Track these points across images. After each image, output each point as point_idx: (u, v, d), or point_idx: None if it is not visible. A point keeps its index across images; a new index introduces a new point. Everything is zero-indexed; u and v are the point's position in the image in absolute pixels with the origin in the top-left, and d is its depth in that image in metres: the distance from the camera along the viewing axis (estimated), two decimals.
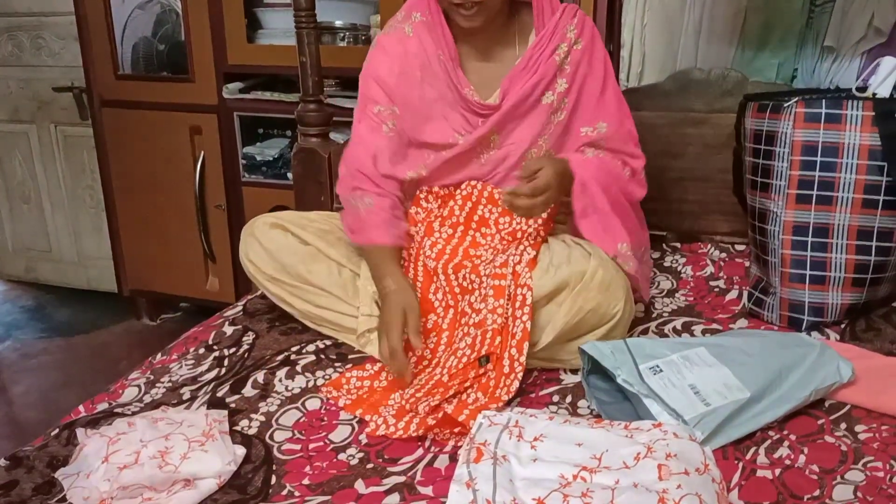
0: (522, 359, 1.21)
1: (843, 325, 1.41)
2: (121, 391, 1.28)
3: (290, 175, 2.36)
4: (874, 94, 1.40)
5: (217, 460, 1.04)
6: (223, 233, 2.59)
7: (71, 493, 1.01)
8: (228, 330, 1.46)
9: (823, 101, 1.36)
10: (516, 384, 1.20)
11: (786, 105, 1.39)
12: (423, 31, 1.42)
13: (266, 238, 1.42)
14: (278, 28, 2.38)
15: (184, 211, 2.59)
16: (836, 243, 1.38)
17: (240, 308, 1.57)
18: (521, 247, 1.35)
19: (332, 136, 1.95)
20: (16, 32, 2.78)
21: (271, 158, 2.46)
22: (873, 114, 1.34)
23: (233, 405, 1.22)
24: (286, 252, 1.41)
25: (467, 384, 1.22)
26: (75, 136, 2.82)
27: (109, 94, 2.59)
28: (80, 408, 1.24)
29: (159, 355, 1.40)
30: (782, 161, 1.39)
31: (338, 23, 2.33)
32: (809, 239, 1.39)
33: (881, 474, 1.02)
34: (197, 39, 2.41)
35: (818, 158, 1.36)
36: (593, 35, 1.43)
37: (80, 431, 1.11)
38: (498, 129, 1.40)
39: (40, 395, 2.39)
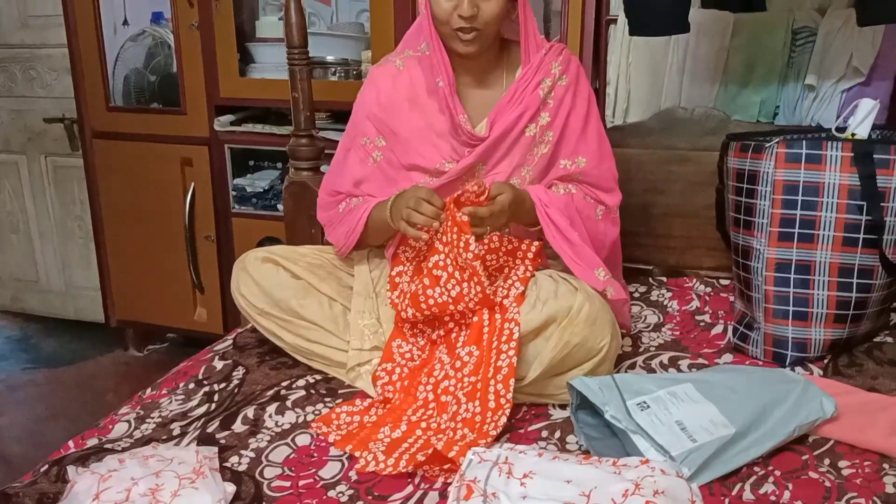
0: (509, 395, 1.22)
1: (826, 361, 1.44)
2: (110, 426, 1.28)
3: (280, 207, 2.38)
4: (853, 135, 1.44)
5: (207, 498, 1.04)
6: (212, 264, 2.60)
7: None
8: (218, 364, 1.46)
9: (804, 141, 1.40)
10: (503, 419, 1.21)
11: (767, 145, 1.42)
12: (413, 66, 1.47)
13: (258, 272, 1.44)
14: (270, 62, 2.41)
15: (173, 242, 2.60)
16: (818, 280, 1.41)
17: (230, 342, 1.57)
18: (509, 281, 1.37)
19: (323, 169, 1.97)
20: (8, 64, 2.80)
21: (261, 190, 2.48)
22: (852, 154, 1.37)
23: (223, 441, 1.22)
24: (278, 286, 1.43)
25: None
26: (66, 166, 2.83)
27: (101, 125, 2.60)
28: (70, 443, 1.23)
29: (149, 390, 1.40)
30: (764, 199, 1.43)
31: (329, 58, 2.37)
32: (792, 276, 1.42)
33: None
34: (189, 72, 2.43)
35: (799, 197, 1.39)
36: (578, 72, 1.47)
37: (70, 469, 1.11)
38: (483, 159, 1.43)
39: (25, 428, 2.37)
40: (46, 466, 1.17)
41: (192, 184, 2.54)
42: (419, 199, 1.31)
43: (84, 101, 2.60)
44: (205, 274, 2.61)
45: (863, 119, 1.44)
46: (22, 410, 2.48)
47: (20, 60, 2.78)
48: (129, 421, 1.29)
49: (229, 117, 2.47)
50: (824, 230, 1.39)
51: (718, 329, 1.59)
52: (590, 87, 1.50)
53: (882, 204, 1.37)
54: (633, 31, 1.67)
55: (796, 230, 1.40)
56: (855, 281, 1.40)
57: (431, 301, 1.32)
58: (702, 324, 1.62)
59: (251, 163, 2.57)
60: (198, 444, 1.20)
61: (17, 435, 2.33)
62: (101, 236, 2.73)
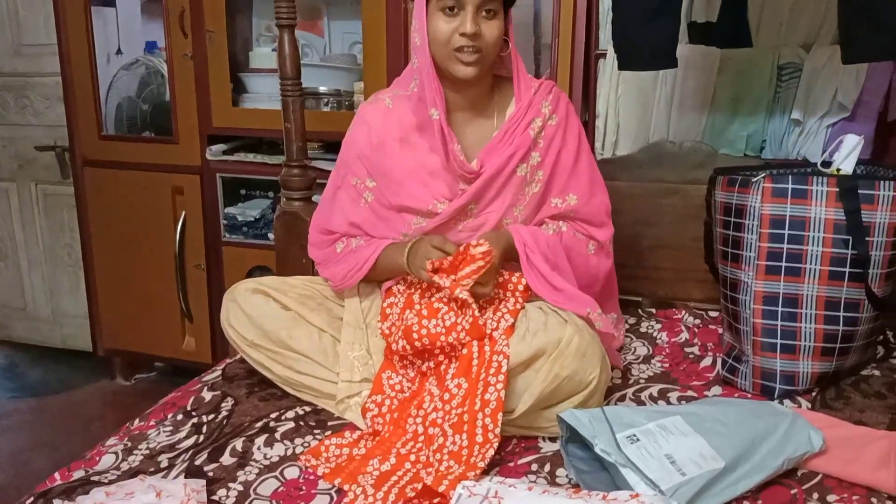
0: (497, 429, 1.22)
1: (814, 394, 1.44)
2: (97, 458, 1.26)
3: (270, 235, 2.38)
4: (838, 170, 1.46)
5: None
6: (202, 293, 2.59)
7: None
8: (207, 395, 1.46)
9: (790, 176, 1.42)
10: (491, 452, 1.21)
11: (754, 180, 1.44)
12: (403, 104, 1.47)
13: (247, 304, 1.44)
14: (263, 92, 2.43)
15: (163, 270, 2.59)
16: (805, 313, 1.42)
17: (219, 372, 1.56)
18: (499, 313, 1.37)
19: (315, 199, 1.98)
20: (0, 92, 2.81)
21: (252, 219, 2.48)
22: (837, 189, 1.39)
23: (211, 474, 1.21)
24: (267, 318, 1.43)
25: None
26: (56, 194, 2.83)
27: (92, 153, 2.61)
28: (56, 475, 1.22)
29: (137, 421, 1.39)
30: (751, 233, 1.44)
31: (322, 88, 2.39)
32: (779, 308, 1.43)
33: None
34: (182, 102, 2.45)
35: (786, 231, 1.41)
36: (568, 110, 1.49)
37: (56, 502, 1.10)
38: (476, 198, 1.44)
39: (10, 458, 2.34)
40: (32, 499, 1.15)
41: (184, 212, 2.54)
42: (434, 249, 1.36)
43: (76, 130, 2.61)
44: (194, 303, 2.60)
45: (847, 154, 1.46)
46: (7, 439, 2.45)
47: (13, 88, 2.79)
48: (116, 452, 1.28)
49: (221, 146, 2.48)
50: (811, 264, 1.41)
51: (707, 361, 1.60)
52: (579, 124, 1.51)
53: (867, 238, 1.39)
54: (622, 65, 1.70)
55: (783, 263, 1.42)
56: (842, 314, 1.42)
57: (424, 331, 1.32)
58: (691, 356, 1.62)
59: (242, 192, 2.58)
60: (186, 477, 1.19)
61: (2, 464, 2.30)
62: (90, 264, 2.72)
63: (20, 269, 2.96)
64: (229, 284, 2.41)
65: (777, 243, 1.42)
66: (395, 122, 1.47)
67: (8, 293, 3.01)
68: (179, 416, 1.39)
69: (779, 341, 1.43)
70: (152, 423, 1.38)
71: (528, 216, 1.47)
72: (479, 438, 1.22)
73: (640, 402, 1.43)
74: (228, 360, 1.62)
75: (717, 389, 1.49)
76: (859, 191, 1.39)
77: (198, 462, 1.24)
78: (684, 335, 1.69)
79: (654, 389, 1.48)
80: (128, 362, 2.83)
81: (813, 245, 1.40)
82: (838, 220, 1.39)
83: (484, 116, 1.48)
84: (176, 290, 2.59)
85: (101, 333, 2.77)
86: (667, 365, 1.59)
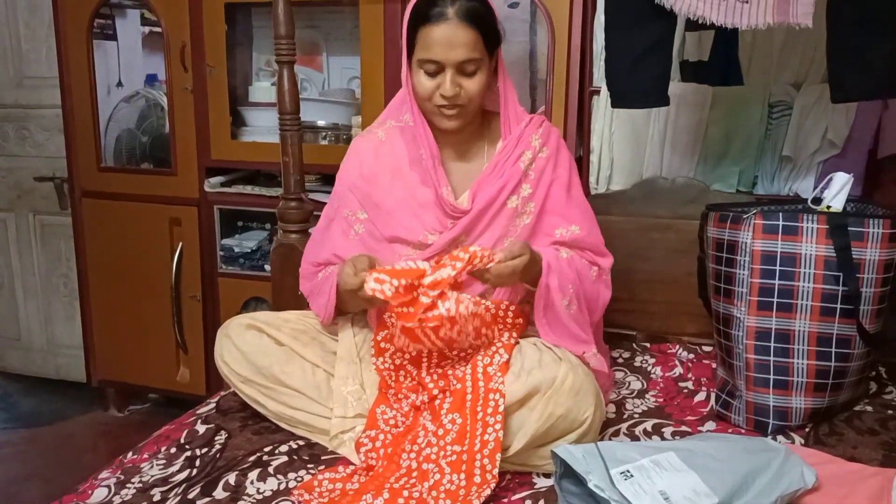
0: (495, 471, 1.22)
1: (807, 430, 1.45)
2: (90, 491, 1.26)
3: (267, 267, 2.39)
4: (828, 207, 1.48)
5: None
6: (197, 324, 2.59)
7: None
8: (201, 429, 1.45)
9: (780, 213, 1.44)
10: (488, 492, 1.21)
11: (745, 216, 1.46)
12: (395, 136, 1.50)
13: (241, 340, 1.44)
14: (262, 126, 2.46)
15: (159, 301, 2.59)
16: (798, 349, 1.43)
17: (213, 405, 1.56)
18: (493, 348, 1.37)
19: (311, 231, 1.99)
20: (1, 123, 2.83)
21: (249, 250, 2.49)
22: (828, 227, 1.41)
23: None
24: (261, 354, 1.43)
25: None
26: (53, 224, 2.84)
27: (91, 185, 2.62)
28: None
29: (130, 454, 1.39)
30: (743, 269, 1.46)
31: (320, 122, 2.42)
32: (772, 344, 1.44)
33: None
34: (181, 134, 2.47)
35: (777, 267, 1.42)
36: (559, 144, 1.51)
37: None
38: (467, 231, 1.45)
39: (2, 489, 2.31)
40: None
41: (181, 243, 2.55)
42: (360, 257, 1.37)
43: (75, 161, 2.63)
44: (189, 334, 2.60)
45: (837, 192, 1.48)
46: (0, 470, 2.43)
47: (13, 119, 2.82)
48: (109, 486, 1.27)
49: (219, 178, 2.50)
50: (802, 300, 1.42)
51: (701, 396, 1.60)
52: (571, 157, 1.54)
53: (857, 275, 1.40)
54: (615, 103, 1.72)
55: (775, 299, 1.43)
56: (833, 350, 1.43)
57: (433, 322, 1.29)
58: (685, 391, 1.63)
59: (239, 223, 2.60)
60: None
61: None
62: (86, 294, 2.72)
63: (16, 298, 2.96)
64: (225, 316, 2.44)
65: (768, 279, 1.43)
66: (387, 154, 1.50)
67: (3, 323, 3.00)
68: (173, 450, 1.38)
69: (771, 377, 1.44)
70: (145, 455, 1.37)
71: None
72: (477, 479, 1.22)
73: (635, 437, 1.43)
74: (223, 393, 1.62)
75: (711, 424, 1.50)
76: (849, 228, 1.41)
77: (191, 496, 1.23)
78: (678, 370, 1.70)
79: (649, 424, 1.48)
80: (121, 393, 2.81)
81: (804, 281, 1.41)
82: (829, 256, 1.40)
83: (474, 151, 1.51)
84: (171, 322, 2.59)
85: (96, 364, 2.76)
86: (661, 400, 1.59)
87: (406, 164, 1.48)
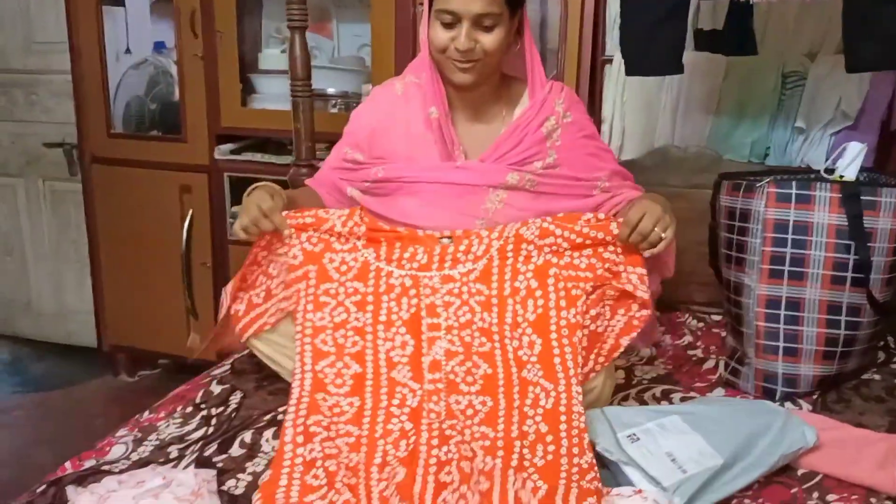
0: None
1: (815, 397, 1.46)
2: (108, 448, 1.28)
3: None
4: (841, 177, 1.49)
5: None
6: (207, 291, 2.61)
7: None
8: (216, 389, 1.47)
9: (794, 182, 1.44)
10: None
11: (758, 185, 1.46)
12: (414, 93, 1.46)
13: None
14: (272, 93, 2.45)
15: (169, 268, 2.61)
16: (808, 317, 1.44)
17: (227, 367, 1.58)
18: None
19: None
20: (10, 88, 2.83)
21: None
22: (840, 195, 1.41)
23: (220, 465, 1.22)
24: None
25: None
26: (63, 191, 2.85)
27: (101, 151, 2.63)
28: (67, 464, 1.24)
29: (146, 413, 1.41)
30: (755, 237, 1.46)
31: (330, 90, 2.41)
32: (782, 312, 1.45)
33: None
34: (191, 101, 2.47)
35: (789, 236, 1.43)
36: (581, 110, 1.49)
37: (69, 489, 1.12)
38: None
39: (13, 453, 2.35)
40: (44, 486, 1.17)
41: (191, 211, 2.56)
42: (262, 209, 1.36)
43: (85, 127, 2.63)
44: (200, 301, 2.62)
45: (850, 162, 1.48)
46: (10, 434, 2.46)
47: (23, 85, 2.81)
48: (126, 443, 1.30)
49: (229, 146, 2.50)
50: (814, 268, 1.43)
51: (710, 364, 1.61)
52: (590, 118, 1.52)
53: (869, 244, 1.41)
54: (630, 71, 1.72)
55: (786, 268, 1.44)
56: (843, 319, 1.44)
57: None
58: (694, 358, 1.64)
59: None
60: (196, 467, 1.21)
61: (4, 459, 2.31)
62: (96, 260, 2.74)
63: (26, 264, 2.98)
64: None
65: (780, 248, 1.44)
66: (402, 110, 1.46)
67: (13, 289, 3.02)
68: (189, 409, 1.40)
69: (781, 344, 1.45)
70: (162, 415, 1.39)
71: (543, 212, 1.41)
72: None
73: (643, 402, 1.45)
74: (236, 355, 1.64)
75: (719, 391, 1.51)
76: (862, 197, 1.41)
77: (207, 453, 1.25)
78: (687, 338, 1.71)
79: (658, 390, 1.49)
80: (132, 359, 2.84)
81: (816, 250, 1.42)
82: (841, 225, 1.41)
83: (490, 115, 1.47)
84: (182, 288, 2.61)
85: (106, 330, 2.78)
86: (670, 367, 1.61)
87: (420, 124, 1.44)
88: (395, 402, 1.23)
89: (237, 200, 2.55)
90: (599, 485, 1.11)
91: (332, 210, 1.39)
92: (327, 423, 1.21)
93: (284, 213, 1.37)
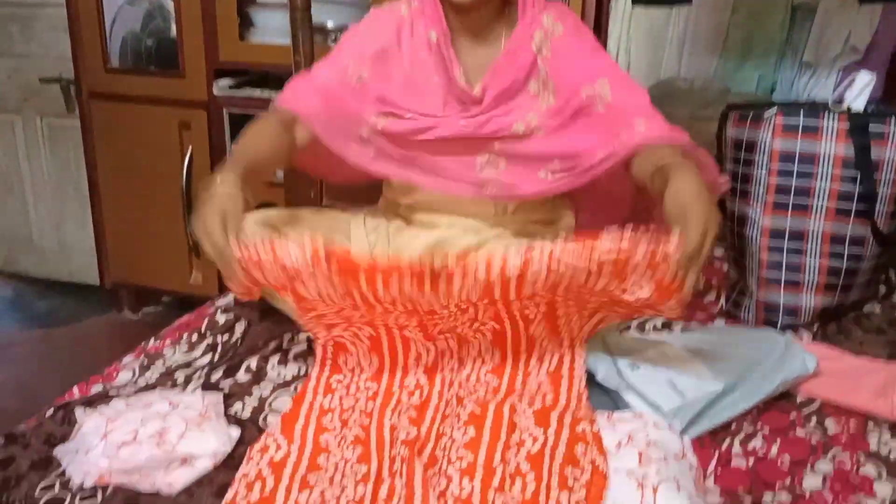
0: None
1: (815, 328, 1.47)
2: (115, 374, 1.30)
3: (279, 172, 2.38)
4: (849, 108, 1.47)
5: (213, 441, 1.06)
6: None
7: (70, 469, 1.03)
8: (221, 318, 1.48)
9: (801, 112, 1.42)
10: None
11: (766, 115, 1.45)
12: (417, 17, 1.42)
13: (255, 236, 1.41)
14: (270, 26, 2.41)
15: (170, 205, 2.60)
16: (811, 248, 1.44)
17: (231, 298, 1.59)
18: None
19: None
20: (6, 23, 2.78)
21: None
22: (848, 126, 1.40)
23: (226, 389, 1.24)
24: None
25: None
26: (61, 127, 2.82)
27: (98, 86, 2.60)
28: (75, 389, 1.25)
29: (152, 341, 1.42)
30: (761, 168, 1.45)
31: (329, 23, 2.37)
32: (785, 244, 1.45)
33: (848, 466, 1.07)
34: (188, 36, 2.43)
35: (795, 167, 1.42)
36: (577, 23, 1.42)
37: (78, 410, 1.13)
38: (481, 124, 1.39)
39: (20, 384, 2.38)
40: (52, 410, 1.19)
41: (190, 147, 2.55)
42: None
43: (82, 62, 2.59)
44: None
45: (859, 92, 1.47)
46: (16, 367, 2.49)
47: (18, 19, 2.76)
48: (133, 369, 1.31)
49: (228, 81, 2.47)
50: (819, 200, 1.42)
51: (711, 297, 1.62)
52: (593, 35, 1.45)
53: (875, 176, 1.40)
54: (637, 0, 1.69)
55: (791, 199, 1.43)
56: (846, 250, 1.44)
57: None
58: (694, 291, 1.65)
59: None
60: (202, 392, 1.22)
61: (11, 392, 2.35)
62: (96, 198, 2.73)
63: (26, 202, 2.98)
64: None
65: (786, 178, 1.43)
66: (406, 32, 1.42)
67: (14, 226, 3.02)
68: (194, 337, 1.42)
69: (783, 276, 1.46)
70: (167, 342, 1.41)
71: (549, 127, 1.38)
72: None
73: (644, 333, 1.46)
74: None
75: (720, 323, 1.52)
76: (870, 128, 1.40)
77: (213, 379, 1.27)
78: None
79: (658, 322, 1.50)
80: (135, 296, 2.86)
81: (821, 181, 1.41)
82: (848, 156, 1.40)
83: (491, 38, 1.42)
84: (183, 225, 2.61)
85: (108, 267, 2.80)
86: None
87: (424, 48, 1.40)
88: (412, 357, 1.23)
89: (236, 137, 2.52)
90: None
91: (288, 243, 1.10)
92: (347, 382, 1.23)
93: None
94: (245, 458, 1.06)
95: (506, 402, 1.12)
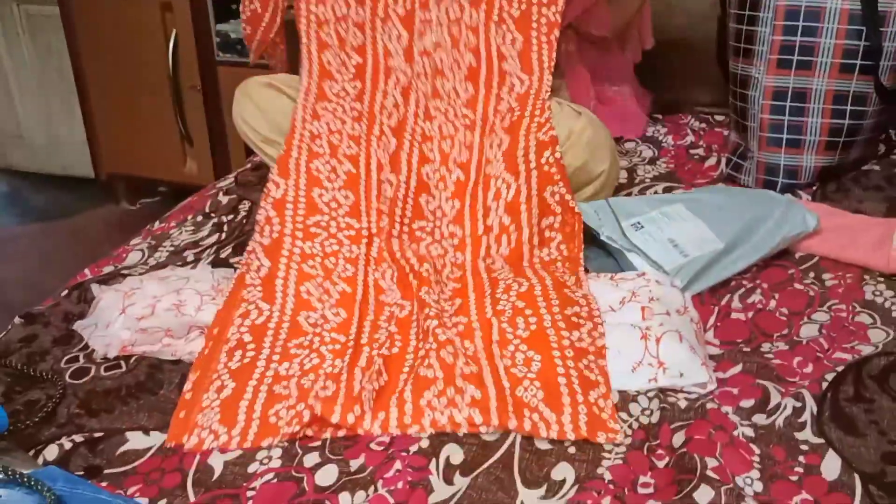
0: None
1: (815, 188, 1.48)
2: (124, 255, 1.31)
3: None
4: None
5: None
6: (200, 115, 2.56)
7: (92, 341, 1.06)
8: (224, 199, 1.49)
9: None
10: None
11: None
12: None
13: (260, 97, 1.41)
14: None
15: (158, 92, 2.54)
16: (813, 108, 1.43)
17: (231, 180, 1.59)
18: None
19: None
20: None
21: None
22: None
23: (237, 266, 1.26)
24: (281, 113, 1.39)
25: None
26: (40, 15, 2.71)
27: None
28: (86, 270, 1.27)
29: (157, 223, 1.43)
30: (765, 26, 1.42)
31: None
32: (788, 104, 1.44)
33: (844, 314, 1.11)
34: None
35: (800, 23, 1.39)
36: None
37: (94, 286, 1.16)
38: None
39: (24, 277, 2.40)
40: (66, 291, 1.21)
41: (174, 30, 2.46)
42: None
43: None
44: (193, 125, 2.58)
45: None
46: (18, 261, 2.51)
47: None
48: (142, 250, 1.33)
49: None
50: (823, 57, 1.40)
51: (712, 161, 1.62)
52: None
53: (881, 29, 1.37)
54: None
55: (795, 57, 1.41)
56: (849, 108, 1.43)
57: None
58: (696, 157, 1.65)
59: (234, 6, 2.48)
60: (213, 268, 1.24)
61: (16, 284, 2.37)
62: (83, 88, 2.66)
63: (11, 95, 2.90)
64: (227, 106, 2.40)
65: (790, 36, 1.40)
66: None
67: (2, 121, 2.96)
68: (199, 218, 1.43)
69: (785, 136, 1.45)
70: (173, 224, 1.42)
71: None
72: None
73: None
74: (239, 170, 1.64)
75: (720, 186, 1.53)
76: None
77: (223, 256, 1.29)
78: (690, 138, 1.71)
79: (660, 187, 1.51)
80: (131, 187, 2.84)
81: (826, 37, 1.39)
82: (854, 9, 1.36)
83: None
84: (173, 113, 2.56)
85: (102, 159, 2.76)
86: (672, 165, 1.62)
87: None
88: (391, 82, 1.36)
89: (222, 17, 2.44)
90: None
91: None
92: (333, 107, 1.34)
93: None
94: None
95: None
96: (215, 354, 1.01)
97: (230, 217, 1.42)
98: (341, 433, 0.91)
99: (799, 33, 1.40)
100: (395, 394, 0.95)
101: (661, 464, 0.86)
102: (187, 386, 0.98)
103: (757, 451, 0.87)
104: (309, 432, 0.91)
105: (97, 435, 0.92)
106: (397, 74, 1.36)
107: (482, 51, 1.34)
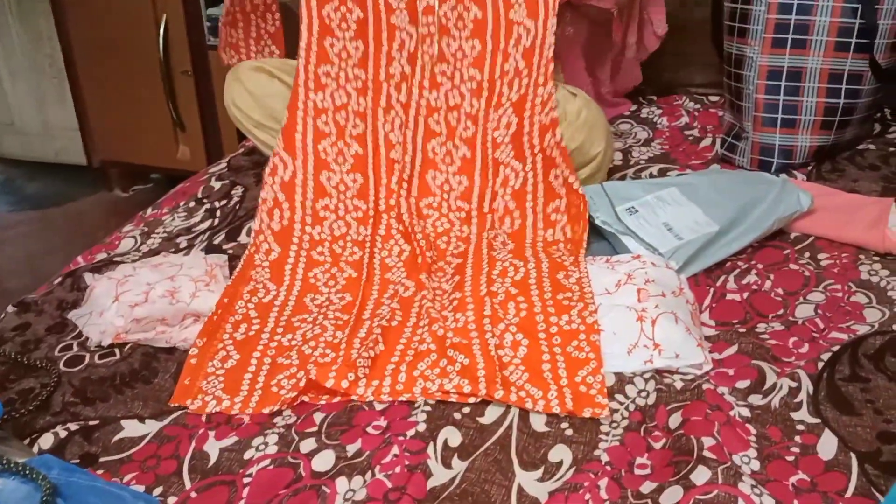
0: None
1: (810, 167, 1.48)
2: (117, 242, 1.31)
3: None
4: None
5: None
6: (191, 100, 2.54)
7: (86, 330, 1.05)
8: (216, 185, 1.48)
9: None
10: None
11: None
12: None
13: (252, 82, 1.40)
14: None
15: (150, 78, 2.52)
16: (808, 87, 1.43)
17: (224, 165, 1.58)
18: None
19: None
20: None
21: None
22: None
23: (230, 251, 1.25)
24: (272, 97, 1.38)
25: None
26: (30, 1, 2.69)
27: None
28: (79, 258, 1.27)
29: (150, 209, 1.42)
30: (760, 5, 1.41)
31: None
32: (782, 83, 1.43)
33: (840, 294, 1.11)
34: None
35: (795, 1, 1.38)
36: None
37: (87, 275, 1.15)
38: None
39: (21, 264, 2.40)
40: (60, 278, 1.20)
41: (164, 15, 2.44)
42: None
43: None
44: (185, 111, 2.56)
45: None
46: (15, 248, 2.50)
47: None
48: (135, 237, 1.32)
49: None
50: (818, 35, 1.39)
51: (707, 142, 1.62)
52: None
53: (877, 6, 1.36)
54: None
55: (790, 36, 1.40)
56: (843, 87, 1.42)
57: None
58: (690, 138, 1.64)
59: None
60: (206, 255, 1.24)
61: (16, 270, 2.37)
62: (74, 74, 2.64)
63: (2, 83, 2.88)
64: (219, 91, 2.38)
65: (785, 14, 1.39)
66: None
67: None
68: (192, 203, 1.42)
69: (779, 116, 1.45)
70: (165, 210, 1.41)
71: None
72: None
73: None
74: (231, 154, 1.63)
75: (715, 167, 1.52)
76: None
77: (216, 242, 1.28)
78: (684, 119, 1.70)
79: (654, 169, 1.51)
80: (124, 174, 2.83)
81: (821, 15, 1.38)
82: None
83: None
84: (165, 99, 2.54)
85: (94, 146, 2.75)
86: (666, 147, 1.61)
87: None
88: (395, 45, 1.30)
89: (212, 1, 2.42)
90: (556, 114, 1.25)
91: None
92: (336, 72, 1.31)
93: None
94: (261, 185, 1.24)
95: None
96: (222, 324, 1.05)
97: (223, 202, 1.41)
98: (336, 399, 0.93)
99: (794, 11, 1.39)
100: (390, 363, 0.97)
101: (657, 445, 0.86)
102: (193, 351, 1.01)
103: (753, 431, 0.87)
104: (306, 398, 0.93)
105: (92, 423, 0.92)
106: (402, 36, 1.30)
107: (488, 1, 1.29)
